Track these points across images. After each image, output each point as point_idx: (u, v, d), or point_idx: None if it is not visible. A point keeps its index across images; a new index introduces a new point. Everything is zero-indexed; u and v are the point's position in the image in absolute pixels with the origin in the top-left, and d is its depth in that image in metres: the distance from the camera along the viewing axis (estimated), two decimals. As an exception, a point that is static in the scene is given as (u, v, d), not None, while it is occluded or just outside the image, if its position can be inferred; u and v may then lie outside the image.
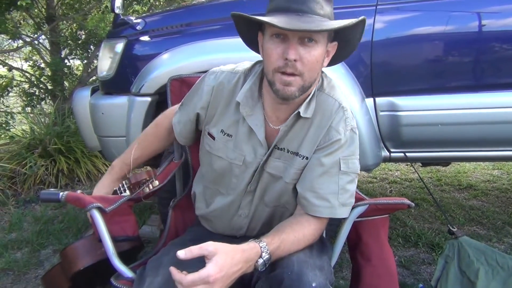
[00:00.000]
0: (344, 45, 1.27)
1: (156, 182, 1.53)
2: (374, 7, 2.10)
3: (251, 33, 1.29)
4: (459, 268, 1.84)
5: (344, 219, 1.35)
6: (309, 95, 1.26)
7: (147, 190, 1.52)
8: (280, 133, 1.29)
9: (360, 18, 1.17)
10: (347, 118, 1.29)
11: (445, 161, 2.68)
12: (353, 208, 1.34)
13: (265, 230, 1.30)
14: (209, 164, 1.43)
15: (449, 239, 1.92)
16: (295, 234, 1.22)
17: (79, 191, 1.38)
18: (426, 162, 2.80)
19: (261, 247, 1.12)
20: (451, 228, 1.91)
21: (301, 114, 1.26)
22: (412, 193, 3.51)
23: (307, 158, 1.30)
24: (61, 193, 1.31)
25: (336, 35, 1.23)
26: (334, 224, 1.52)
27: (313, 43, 1.15)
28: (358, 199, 1.37)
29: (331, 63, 1.30)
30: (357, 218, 1.37)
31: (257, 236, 1.19)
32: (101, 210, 1.35)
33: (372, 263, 1.42)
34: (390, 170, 4.13)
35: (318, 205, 1.26)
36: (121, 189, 1.49)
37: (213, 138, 1.38)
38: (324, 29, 1.12)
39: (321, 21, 1.14)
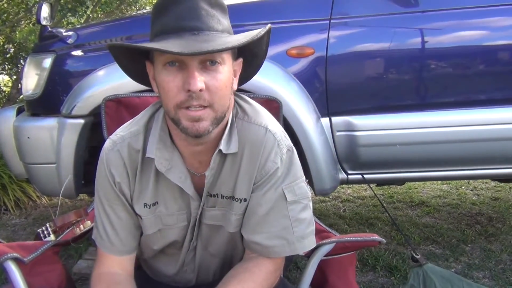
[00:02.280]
0: (251, 60, 1.08)
1: (88, 222, 1.31)
2: (328, 21, 2.01)
3: (138, 65, 1.04)
4: (425, 299, 1.73)
5: (309, 258, 1.20)
6: (226, 126, 1.05)
7: (78, 231, 1.30)
8: (208, 180, 1.08)
9: (266, 27, 0.98)
10: (279, 142, 1.08)
11: (403, 181, 2.62)
12: (318, 247, 1.18)
13: (218, 277, 1.13)
14: (147, 246, 1.20)
15: (413, 267, 1.81)
16: (244, 286, 1.04)
17: (-9, 238, 1.16)
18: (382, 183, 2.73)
19: None
20: (414, 255, 1.80)
21: (224, 151, 1.04)
22: (366, 212, 3.43)
23: (245, 200, 1.10)
24: (-36, 242, 1.08)
25: (240, 51, 1.03)
26: (287, 259, 1.35)
27: (216, 66, 0.94)
28: (325, 236, 1.22)
29: (239, 83, 1.09)
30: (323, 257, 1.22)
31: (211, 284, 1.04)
32: (18, 261, 1.13)
33: (339, 306, 1.28)
34: (343, 188, 4.06)
35: (273, 246, 1.08)
36: (45, 232, 1.26)
37: (141, 218, 1.14)
38: (229, 46, 0.90)
39: (222, 38, 0.94)
